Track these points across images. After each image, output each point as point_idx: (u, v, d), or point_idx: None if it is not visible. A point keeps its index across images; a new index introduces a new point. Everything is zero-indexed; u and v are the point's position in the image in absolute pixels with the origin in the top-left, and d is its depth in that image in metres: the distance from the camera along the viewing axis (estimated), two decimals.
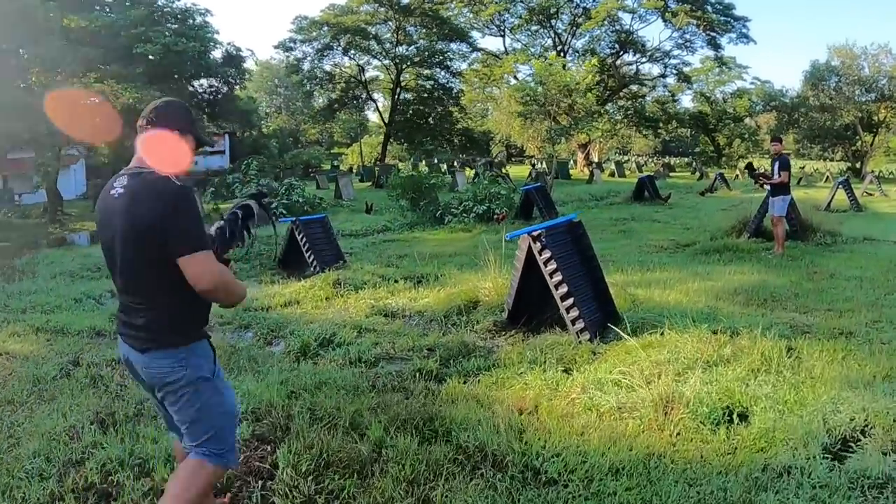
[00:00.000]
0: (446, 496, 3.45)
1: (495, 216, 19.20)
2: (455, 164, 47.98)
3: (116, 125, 22.24)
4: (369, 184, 41.59)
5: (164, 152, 2.71)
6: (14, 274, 12.61)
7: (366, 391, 5.07)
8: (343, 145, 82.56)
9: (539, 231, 6.28)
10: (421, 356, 6.04)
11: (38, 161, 22.62)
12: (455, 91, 59.36)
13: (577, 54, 56.70)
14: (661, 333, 5.68)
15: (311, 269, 10.79)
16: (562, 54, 53.81)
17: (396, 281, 9.52)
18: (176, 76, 27.00)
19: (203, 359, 2.87)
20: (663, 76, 58.80)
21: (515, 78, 51.96)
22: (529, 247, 6.38)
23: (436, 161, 52.04)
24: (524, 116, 41.21)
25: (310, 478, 3.60)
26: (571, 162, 55.55)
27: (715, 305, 7.25)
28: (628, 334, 5.88)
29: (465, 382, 5.29)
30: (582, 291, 6.37)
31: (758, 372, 4.72)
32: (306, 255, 11.00)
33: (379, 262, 11.98)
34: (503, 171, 35.52)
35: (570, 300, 6.16)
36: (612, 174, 47.73)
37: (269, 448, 4.05)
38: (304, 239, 11.03)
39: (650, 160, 63.80)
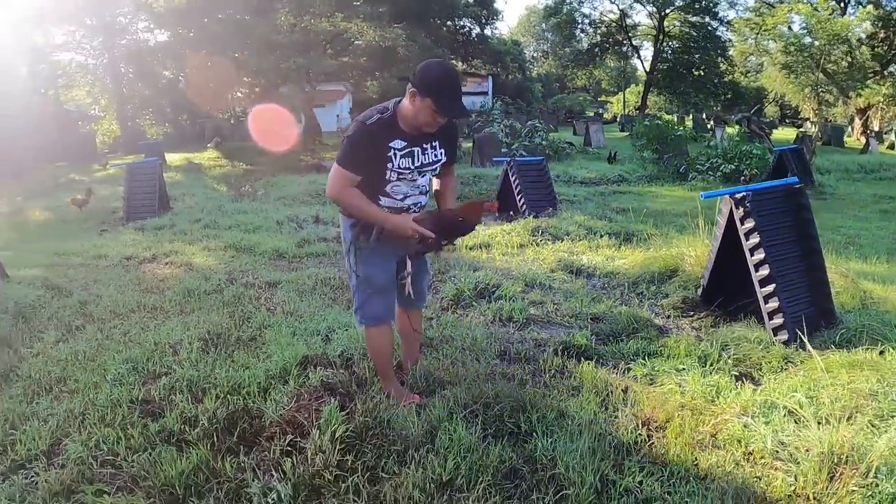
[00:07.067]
0: None
1: (742, 177, 17.01)
2: (705, 117, 43.54)
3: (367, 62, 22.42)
4: (627, 133, 39.26)
5: None
6: (240, 195, 13.23)
7: (490, 357, 4.23)
8: (610, 93, 79.53)
9: (744, 193, 4.90)
10: (581, 325, 5.06)
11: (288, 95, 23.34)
12: (723, 41, 53.50)
13: (859, 5, 47.55)
14: (881, 352, 4.15)
15: (521, 212, 10.04)
16: (841, 3, 45.92)
17: (601, 236, 8.43)
18: (421, 16, 26.66)
19: None
20: None
21: (790, 28, 45.00)
22: (731, 213, 5.05)
23: (704, 116, 47.61)
24: (787, 68, 36.05)
25: (340, 446, 2.98)
26: (849, 129, 48.12)
27: None
28: (835, 344, 4.44)
29: (614, 367, 4.27)
30: (790, 278, 4.92)
31: None
32: (517, 198, 10.26)
33: (594, 213, 10.86)
34: (761, 129, 31.45)
35: (772, 286, 4.78)
36: (891, 146, 40.54)
37: (330, 401, 3.39)
38: (517, 181, 10.28)
39: None
